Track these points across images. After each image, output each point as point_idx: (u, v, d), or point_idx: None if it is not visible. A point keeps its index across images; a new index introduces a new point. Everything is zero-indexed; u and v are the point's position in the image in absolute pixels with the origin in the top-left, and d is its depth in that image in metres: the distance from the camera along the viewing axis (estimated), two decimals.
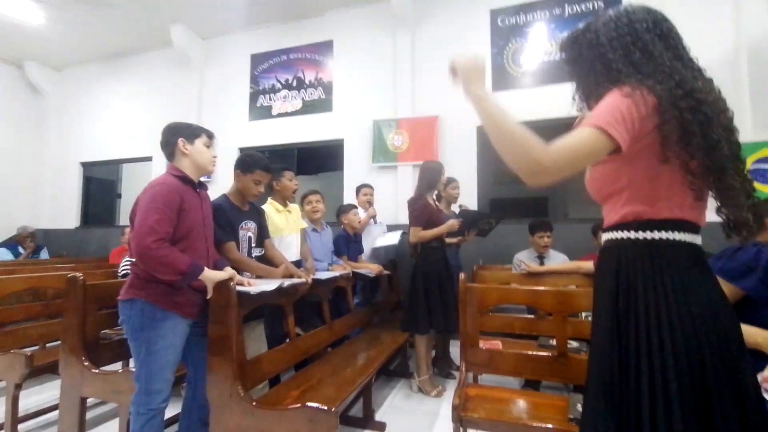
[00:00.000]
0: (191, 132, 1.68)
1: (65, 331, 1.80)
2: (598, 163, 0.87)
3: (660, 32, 0.85)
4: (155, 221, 1.46)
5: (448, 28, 4.25)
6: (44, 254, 5.22)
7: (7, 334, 2.18)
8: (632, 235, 0.84)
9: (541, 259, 3.14)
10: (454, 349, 3.42)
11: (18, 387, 1.92)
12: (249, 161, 2.00)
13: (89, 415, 2.08)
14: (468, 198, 3.90)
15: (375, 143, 4.32)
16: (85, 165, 6.19)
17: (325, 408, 1.37)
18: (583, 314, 2.40)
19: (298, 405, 1.42)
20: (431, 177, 2.75)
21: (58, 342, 2.58)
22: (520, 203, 7.20)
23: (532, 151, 0.75)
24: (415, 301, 2.64)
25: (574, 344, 2.17)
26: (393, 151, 4.24)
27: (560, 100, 3.64)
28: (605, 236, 0.91)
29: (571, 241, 3.43)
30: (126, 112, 5.93)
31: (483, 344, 2.02)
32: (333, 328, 2.42)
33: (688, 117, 0.77)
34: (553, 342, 2.31)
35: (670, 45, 0.85)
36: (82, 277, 1.77)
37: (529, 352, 1.88)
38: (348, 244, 3.15)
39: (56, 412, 2.00)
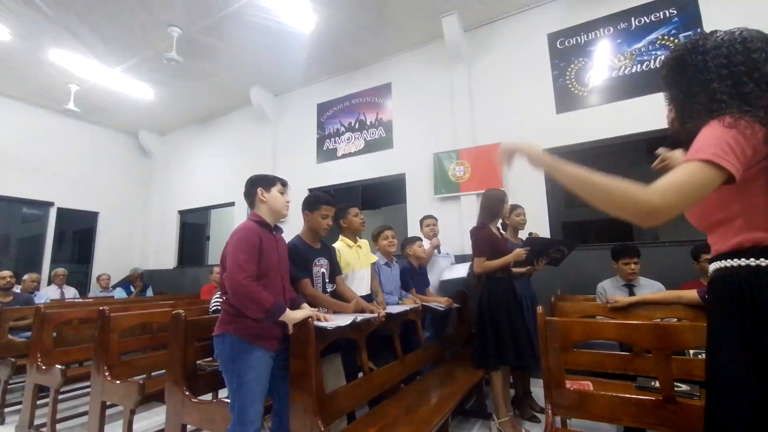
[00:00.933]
0: (268, 182, 1.89)
1: (170, 362, 2.03)
2: None
3: None
4: (243, 261, 1.63)
5: (504, 57, 4.27)
6: (149, 292, 5.98)
7: (124, 365, 2.50)
8: (753, 262, 0.77)
9: (629, 287, 2.82)
10: (537, 389, 3.16)
11: (132, 412, 2.18)
12: (313, 200, 2.16)
13: None
14: (538, 223, 3.71)
15: (436, 175, 4.37)
16: (182, 212, 7.10)
17: None
18: (691, 352, 2.08)
19: None
20: (493, 205, 2.69)
21: (162, 372, 2.90)
22: (599, 225, 6.62)
23: (636, 194, 0.74)
24: (482, 335, 2.53)
25: (682, 387, 1.88)
26: (455, 182, 4.24)
27: (634, 114, 3.45)
28: (716, 265, 0.84)
29: (665, 267, 3.06)
30: (214, 165, 6.77)
31: (570, 384, 1.84)
32: (405, 363, 2.40)
33: None
34: (655, 384, 2.03)
35: None
36: (184, 314, 2.00)
37: (628, 395, 1.67)
38: (413, 276, 3.15)
39: None
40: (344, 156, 5.26)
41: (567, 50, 3.92)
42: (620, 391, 1.97)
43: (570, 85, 3.86)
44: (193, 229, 7.27)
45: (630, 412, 1.60)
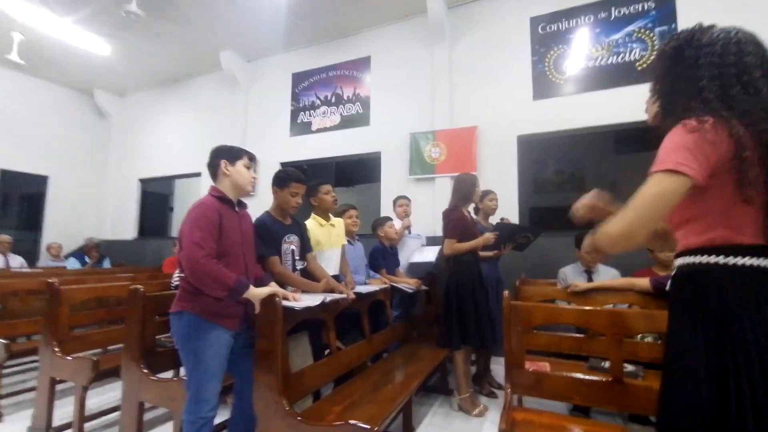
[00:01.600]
0: (233, 154, 1.77)
1: (126, 339, 1.94)
2: None
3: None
4: (200, 238, 1.55)
5: (486, 38, 4.22)
6: (107, 263, 5.68)
7: (76, 340, 2.38)
8: (722, 260, 0.78)
9: (588, 274, 2.97)
10: (495, 366, 3.31)
11: (85, 389, 2.08)
12: (283, 176, 2.07)
13: (147, 416, 2.20)
14: (509, 208, 3.80)
15: (412, 155, 4.34)
16: (143, 181, 6.70)
17: (368, 427, 1.36)
18: (638, 336, 2.23)
19: (342, 422, 1.42)
20: (465, 189, 2.72)
21: (119, 346, 2.78)
22: (564, 212, 6.89)
23: (600, 233, 0.83)
24: (448, 315, 2.60)
25: (629, 368, 2.02)
26: (430, 163, 4.23)
27: (606, 106, 3.52)
28: (683, 260, 0.86)
29: (623, 255, 3.21)
30: (179, 132, 6.39)
31: (529, 365, 1.93)
32: (372, 343, 2.42)
33: None
34: (605, 364, 2.17)
35: None
36: (142, 289, 1.91)
37: (581, 376, 1.77)
38: (384, 256, 3.15)
39: (117, 413, 2.14)
40: (319, 131, 5.10)
41: (548, 36, 3.92)
42: (573, 370, 2.10)
43: (548, 72, 3.88)
44: (155, 198, 6.91)
45: (582, 391, 1.71)
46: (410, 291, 2.95)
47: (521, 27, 4.05)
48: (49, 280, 2.32)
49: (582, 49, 3.76)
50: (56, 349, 2.18)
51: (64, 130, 6.57)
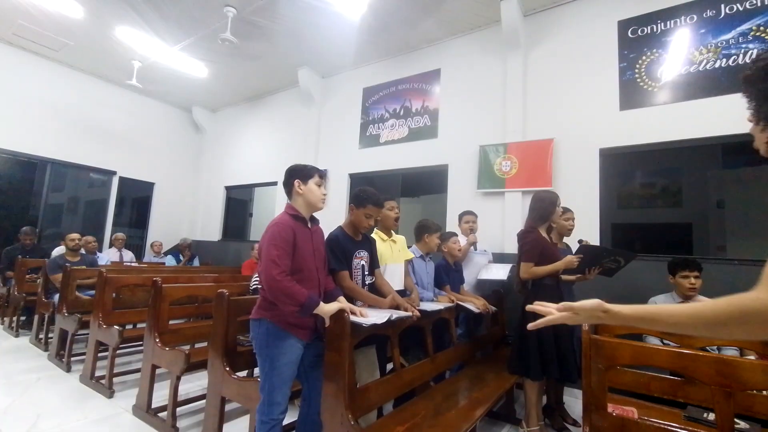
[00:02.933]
0: (305, 173, 1.88)
1: (213, 337, 2.15)
2: None
3: None
4: (277, 256, 1.66)
5: (565, 45, 3.96)
6: (196, 262, 6.38)
7: (173, 333, 2.69)
8: None
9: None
10: (570, 399, 3.04)
11: (178, 378, 2.35)
12: (363, 196, 2.14)
13: (229, 407, 2.41)
14: (588, 225, 3.50)
15: (481, 168, 4.22)
16: (228, 188, 7.42)
17: None
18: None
19: None
20: (544, 207, 2.53)
21: (205, 342, 3.10)
22: (653, 230, 6.13)
23: (756, 317, 0.59)
24: (525, 344, 2.43)
25: (741, 424, 1.72)
26: (500, 177, 4.07)
27: (711, 115, 3.09)
28: None
29: (730, 286, 2.76)
30: (259, 144, 6.98)
31: (612, 408, 1.74)
32: (436, 362, 2.38)
33: None
34: (708, 416, 1.88)
35: None
36: (227, 293, 2.10)
37: (676, 427, 1.55)
38: (448, 273, 3.09)
39: (203, 402, 2.38)
40: (387, 143, 5.20)
41: (639, 40, 3.56)
42: (666, 418, 1.85)
43: (639, 79, 3.51)
44: (237, 204, 7.61)
45: None
46: (476, 312, 2.85)
47: (607, 31, 3.73)
48: (155, 278, 2.67)
49: (681, 52, 3.35)
50: (157, 340, 2.49)
51: (167, 143, 7.57)
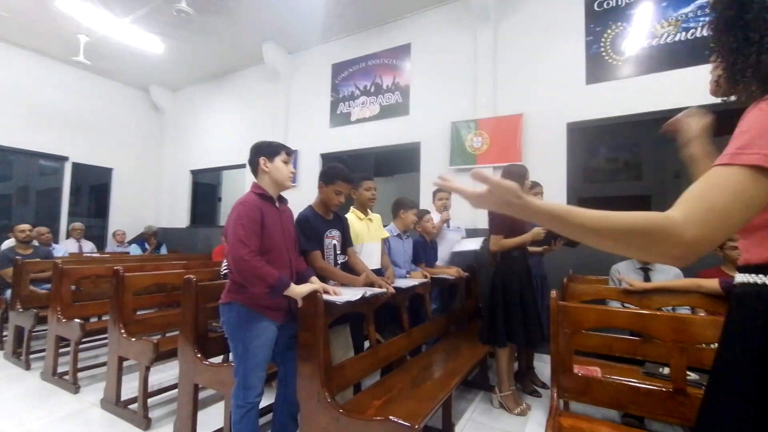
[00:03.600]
0: (271, 150, 1.80)
1: (182, 325, 2.08)
2: None
3: None
4: (244, 236, 1.61)
5: (534, 19, 3.95)
6: (163, 250, 6.13)
7: (139, 323, 2.58)
8: None
9: (645, 271, 2.75)
10: (539, 363, 3.20)
11: (148, 369, 2.27)
12: (331, 173, 2.08)
13: (201, 395, 2.37)
14: (556, 198, 3.60)
15: (453, 145, 4.22)
16: (194, 172, 7.10)
17: (408, 425, 1.37)
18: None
19: (382, 418, 1.43)
20: (514, 182, 2.58)
21: (175, 331, 3.00)
22: (616, 203, 6.42)
23: (662, 233, 0.58)
24: (493, 312, 2.53)
25: (692, 376, 1.85)
26: (472, 153, 4.09)
27: (672, 88, 3.19)
28: (744, 278, 0.72)
29: None
30: (225, 125, 6.67)
31: (578, 369, 1.83)
32: (411, 336, 2.42)
33: None
34: (664, 371, 2.01)
35: None
36: (195, 279, 2.02)
37: (636, 383, 1.65)
38: (425, 249, 3.12)
39: (176, 391, 2.32)
40: (358, 121, 5.10)
41: (605, 13, 3.59)
42: (626, 375, 1.97)
43: (604, 53, 3.57)
44: (205, 188, 7.31)
45: (638, 400, 1.59)
46: (452, 279, 2.91)
47: (574, 5, 3.74)
48: (115, 267, 2.53)
49: (644, 26, 3.41)
50: (122, 331, 2.39)
51: (124, 125, 7.08)
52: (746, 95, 0.68)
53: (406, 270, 2.84)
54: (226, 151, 6.53)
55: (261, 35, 5.34)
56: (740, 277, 0.74)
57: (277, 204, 1.83)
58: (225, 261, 3.10)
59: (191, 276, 2.03)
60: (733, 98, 0.74)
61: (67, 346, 2.89)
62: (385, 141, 4.86)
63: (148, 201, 7.35)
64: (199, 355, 1.97)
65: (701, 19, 3.19)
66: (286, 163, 1.81)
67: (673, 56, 3.26)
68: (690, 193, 0.61)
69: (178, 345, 2.09)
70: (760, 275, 0.69)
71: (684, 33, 3.24)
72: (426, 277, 2.78)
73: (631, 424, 2.09)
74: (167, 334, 3.28)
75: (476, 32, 4.18)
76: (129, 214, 7.01)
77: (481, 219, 3.91)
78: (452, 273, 3.02)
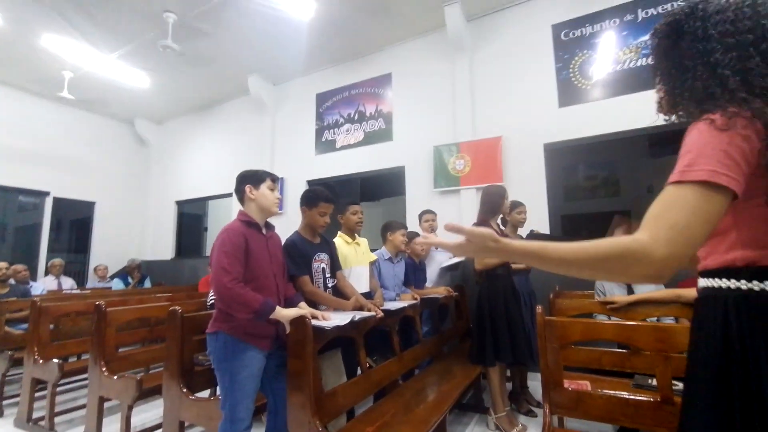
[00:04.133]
0: (257, 178, 1.84)
1: (167, 358, 2.01)
2: None
3: None
4: (227, 263, 1.61)
5: (507, 48, 4.20)
6: (147, 283, 5.97)
7: (121, 359, 2.49)
8: (743, 285, 0.68)
9: (628, 285, 2.82)
10: (534, 383, 3.18)
11: (130, 408, 2.18)
12: (311, 195, 2.12)
13: None
14: (538, 217, 3.70)
15: (436, 168, 4.33)
16: (179, 203, 7.04)
17: None
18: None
19: None
20: (493, 201, 2.66)
21: (160, 366, 2.90)
22: (597, 219, 6.60)
23: (634, 255, 0.61)
24: (480, 331, 2.54)
25: (679, 385, 1.88)
26: (455, 175, 4.21)
27: (637, 109, 3.40)
28: (703, 282, 0.76)
29: None
30: (211, 155, 6.70)
31: (569, 384, 1.84)
32: (403, 360, 2.40)
33: None
34: (653, 382, 2.04)
35: None
36: (180, 311, 1.99)
37: (625, 395, 1.67)
38: (415, 272, 3.14)
39: (160, 431, 2.22)
40: (343, 148, 5.20)
41: (571, 42, 3.85)
42: (617, 388, 1.98)
43: (573, 78, 3.79)
44: (190, 219, 7.23)
45: (627, 412, 1.61)
46: (440, 298, 2.92)
47: (543, 35, 4.00)
48: (97, 303, 2.46)
49: (608, 53, 3.67)
50: (104, 369, 2.30)
51: (108, 158, 7.04)
52: (686, 116, 0.75)
53: (395, 293, 2.85)
54: (212, 181, 6.53)
55: (246, 68, 5.48)
56: (701, 282, 0.78)
57: (263, 231, 1.84)
58: (211, 291, 3.05)
59: (176, 307, 2.00)
60: (673, 118, 0.81)
61: (44, 389, 2.75)
62: (370, 166, 4.96)
63: (131, 234, 7.22)
64: (185, 390, 1.91)
65: None
66: (272, 189, 1.84)
67: (636, 80, 3.49)
68: (651, 214, 0.64)
69: (162, 380, 2.02)
70: (716, 279, 0.73)
71: (644, 59, 3.48)
72: (415, 298, 2.79)
73: None
74: (151, 371, 3.15)
75: (454, 60, 4.40)
76: (112, 248, 6.85)
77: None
78: (441, 292, 3.03)
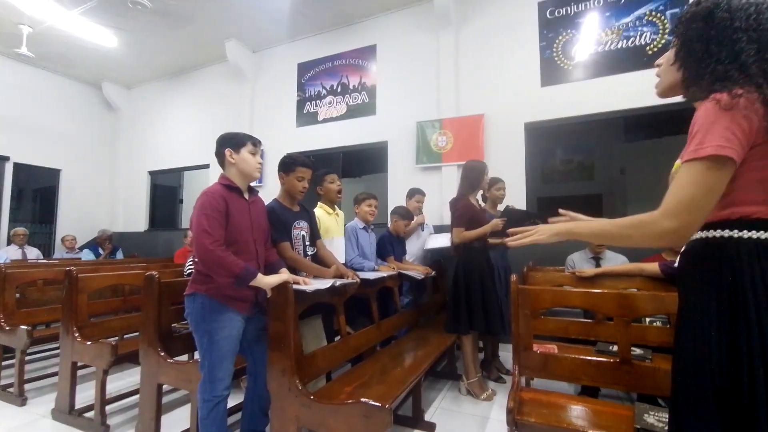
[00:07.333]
0: (237, 141, 1.79)
1: (144, 324, 2.00)
2: None
3: None
4: (208, 225, 1.58)
5: (492, 24, 4.16)
6: (119, 255, 5.79)
7: (94, 326, 2.45)
8: (737, 234, 0.79)
9: (597, 260, 2.97)
10: (505, 353, 3.34)
11: (105, 373, 2.16)
12: (288, 161, 2.09)
13: (165, 399, 2.28)
14: (516, 197, 3.78)
15: (418, 144, 4.33)
16: (152, 173, 6.78)
17: (379, 405, 1.40)
18: (647, 320, 2.24)
19: (353, 401, 1.46)
20: (474, 177, 2.71)
21: (135, 334, 2.86)
22: (572, 201, 6.81)
23: (648, 225, 0.80)
24: (456, 301, 2.63)
25: (636, 351, 2.04)
26: (437, 152, 4.22)
27: (615, 92, 3.48)
28: (697, 234, 0.86)
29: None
30: (186, 124, 6.43)
31: (537, 348, 1.95)
32: (381, 328, 2.46)
33: None
34: (613, 348, 2.19)
35: None
36: (157, 276, 1.96)
37: (589, 358, 1.79)
38: (392, 244, 3.18)
39: (136, 397, 2.22)
40: (325, 120, 5.10)
41: (556, 21, 3.85)
42: (582, 354, 2.12)
43: (556, 58, 3.82)
44: (165, 191, 6.99)
45: (589, 372, 1.73)
46: (420, 278, 2.98)
47: (529, 12, 3.98)
48: (67, 268, 2.39)
49: (591, 33, 3.70)
50: (76, 335, 2.25)
51: (74, 124, 6.65)
52: (698, 92, 0.82)
53: (374, 262, 2.89)
54: (188, 151, 6.30)
55: (224, 32, 5.22)
56: (696, 234, 0.87)
57: (246, 195, 1.81)
58: (188, 261, 3.01)
59: (153, 272, 1.97)
60: (680, 98, 0.92)
61: (12, 357, 2.67)
62: (353, 140, 4.90)
63: (101, 204, 6.93)
64: (162, 354, 1.91)
65: (639, 29, 3.50)
66: (253, 154, 1.80)
67: (617, 62, 3.56)
68: (667, 193, 0.80)
69: (139, 346, 2.01)
70: (710, 231, 0.84)
71: (625, 41, 3.54)
72: (394, 269, 2.84)
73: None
74: (125, 339, 3.11)
75: (439, 36, 4.33)
76: (80, 218, 6.57)
77: (447, 214, 4.01)
78: (421, 270, 3.07)
